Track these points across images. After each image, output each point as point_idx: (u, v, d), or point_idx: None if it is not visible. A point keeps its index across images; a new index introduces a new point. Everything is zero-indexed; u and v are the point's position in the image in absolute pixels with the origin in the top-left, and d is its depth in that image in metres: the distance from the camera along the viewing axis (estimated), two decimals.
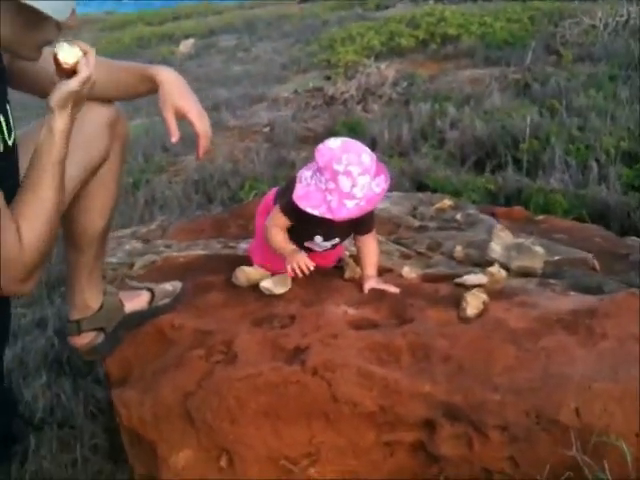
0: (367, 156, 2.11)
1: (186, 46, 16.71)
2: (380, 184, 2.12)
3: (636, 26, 9.53)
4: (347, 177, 2.06)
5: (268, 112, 9.68)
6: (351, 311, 2.13)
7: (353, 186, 2.06)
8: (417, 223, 3.80)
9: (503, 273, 2.49)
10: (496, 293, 2.24)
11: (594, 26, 9.96)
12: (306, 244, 2.37)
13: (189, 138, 7.09)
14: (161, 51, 16.72)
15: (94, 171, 1.93)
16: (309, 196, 2.11)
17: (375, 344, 1.86)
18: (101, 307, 2.14)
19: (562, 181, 4.60)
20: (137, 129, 9.66)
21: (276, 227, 2.29)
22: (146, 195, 5.96)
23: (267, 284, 2.31)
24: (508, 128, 5.76)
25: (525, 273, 2.70)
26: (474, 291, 2.13)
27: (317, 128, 8.18)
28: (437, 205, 4.10)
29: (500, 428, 1.63)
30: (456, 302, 2.16)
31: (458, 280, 2.37)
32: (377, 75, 9.89)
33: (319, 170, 2.12)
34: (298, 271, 2.20)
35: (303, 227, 2.29)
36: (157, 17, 23.99)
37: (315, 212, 2.10)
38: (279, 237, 2.29)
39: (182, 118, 1.89)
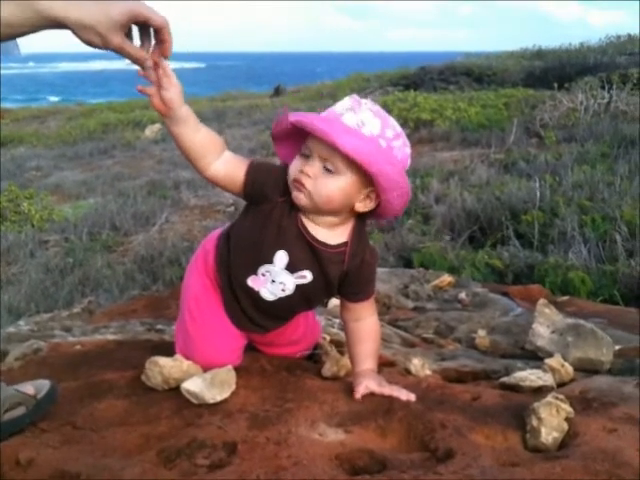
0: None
1: (152, 131, 16.15)
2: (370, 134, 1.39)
3: (618, 109, 9.17)
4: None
5: None
6: (336, 435, 1.20)
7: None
8: (411, 304, 3.00)
9: (570, 368, 1.60)
10: (575, 400, 1.34)
11: (574, 109, 9.60)
12: (250, 281, 1.49)
13: (140, 215, 6.19)
14: (125, 136, 16.10)
15: None
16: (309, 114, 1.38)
17: None
18: None
19: (580, 255, 3.80)
20: (88, 207, 8.81)
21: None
22: (80, 276, 5.01)
23: (193, 386, 1.38)
24: (504, 200, 5.04)
25: (586, 368, 1.83)
26: (549, 399, 1.22)
27: None
28: (434, 282, 3.32)
29: None
30: (515, 417, 1.25)
31: (506, 380, 1.48)
32: None
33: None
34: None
35: (255, 229, 1.45)
36: (126, 106, 23.65)
37: (291, 120, 1.36)
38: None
39: (134, 23, 1.31)
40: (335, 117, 1.36)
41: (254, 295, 1.50)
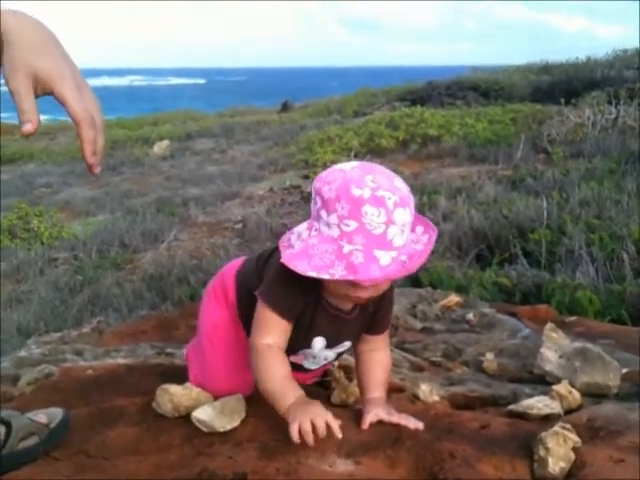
0: (402, 183, 1.27)
1: (160, 147, 16.25)
2: (420, 239, 1.28)
3: (626, 124, 9.19)
4: (377, 207, 1.20)
5: (241, 209, 9.01)
6: (345, 466, 1.21)
7: (389, 224, 1.21)
8: (419, 324, 3.01)
9: (577, 394, 1.61)
10: (582, 429, 1.35)
11: (581, 124, 9.62)
12: (291, 358, 1.47)
13: (149, 232, 6.22)
14: (134, 152, 16.21)
15: None
16: (309, 252, 1.24)
17: None
18: None
19: (588, 275, 3.80)
20: (98, 224, 8.87)
21: (269, 348, 1.37)
22: (89, 294, 5.04)
23: (203, 415, 1.39)
24: (511, 218, 5.05)
25: (594, 393, 1.83)
26: (556, 428, 1.23)
27: (293, 224, 7.50)
28: (442, 302, 3.33)
29: None
30: (523, 446, 1.26)
31: (514, 408, 1.48)
32: None
33: (325, 206, 1.25)
34: (309, 437, 1.25)
35: (296, 326, 1.42)
36: (135, 123, 23.81)
37: (324, 276, 1.20)
38: (278, 369, 1.37)
39: (44, 92, 1.02)
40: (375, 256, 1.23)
41: (295, 364, 1.52)
